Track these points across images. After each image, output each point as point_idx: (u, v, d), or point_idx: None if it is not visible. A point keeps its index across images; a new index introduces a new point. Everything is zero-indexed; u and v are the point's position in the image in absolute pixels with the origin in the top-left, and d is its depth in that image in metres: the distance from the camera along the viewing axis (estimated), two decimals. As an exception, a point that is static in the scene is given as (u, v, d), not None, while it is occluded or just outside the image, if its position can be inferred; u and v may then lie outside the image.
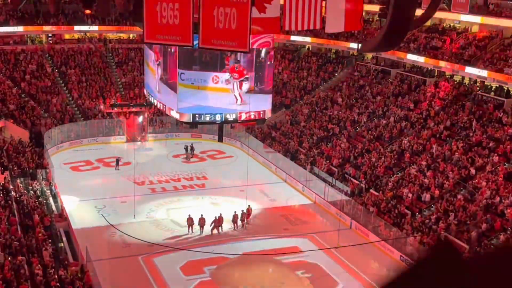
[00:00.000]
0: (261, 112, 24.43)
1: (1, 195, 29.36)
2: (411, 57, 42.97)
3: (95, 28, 52.98)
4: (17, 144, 38.99)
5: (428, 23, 41.32)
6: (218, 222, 30.05)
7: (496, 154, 31.68)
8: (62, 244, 26.66)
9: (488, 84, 38.45)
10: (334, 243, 27.29)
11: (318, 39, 50.05)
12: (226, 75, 23.58)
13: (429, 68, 42.93)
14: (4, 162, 34.82)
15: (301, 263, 27.29)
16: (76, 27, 52.61)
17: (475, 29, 42.57)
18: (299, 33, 49.09)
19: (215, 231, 29.84)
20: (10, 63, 49.38)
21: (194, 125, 27.67)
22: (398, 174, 34.26)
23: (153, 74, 27.58)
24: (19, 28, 50.82)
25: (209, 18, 13.47)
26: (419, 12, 16.09)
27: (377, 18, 43.21)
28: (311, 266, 26.96)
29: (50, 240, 25.81)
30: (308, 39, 51.14)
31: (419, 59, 42.29)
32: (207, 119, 24.01)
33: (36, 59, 50.67)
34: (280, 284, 25.46)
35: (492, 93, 37.49)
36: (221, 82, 23.71)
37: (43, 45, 52.83)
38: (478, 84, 39.41)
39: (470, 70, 38.19)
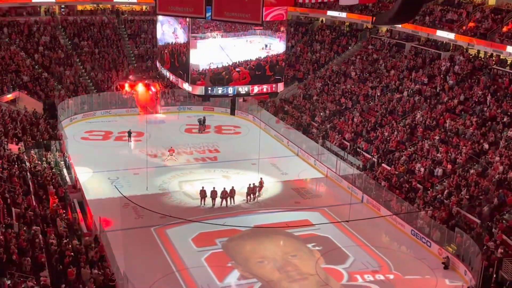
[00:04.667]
0: (274, 86, 24.31)
1: (16, 165, 29.67)
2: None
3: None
4: (31, 115, 39.26)
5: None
6: (230, 194, 30.32)
7: (510, 129, 31.39)
8: (76, 215, 26.98)
9: (504, 58, 37.89)
10: (345, 216, 27.32)
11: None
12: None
13: (444, 42, 42.34)
14: (18, 133, 35.12)
15: (312, 236, 27.46)
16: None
17: (491, 1, 41.79)
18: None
19: (223, 203, 30.14)
20: (23, 35, 49.43)
21: (207, 98, 27.55)
22: (410, 148, 34.12)
23: (165, 46, 27.45)
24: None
25: (222, -11, 13.35)
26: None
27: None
28: (322, 239, 27.13)
29: (64, 211, 26.11)
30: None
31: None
32: (220, 92, 23.91)
33: (49, 30, 50.66)
34: (291, 257, 25.67)
35: (508, 67, 36.95)
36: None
37: (56, 17, 52.73)
38: (493, 58, 38.86)
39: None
